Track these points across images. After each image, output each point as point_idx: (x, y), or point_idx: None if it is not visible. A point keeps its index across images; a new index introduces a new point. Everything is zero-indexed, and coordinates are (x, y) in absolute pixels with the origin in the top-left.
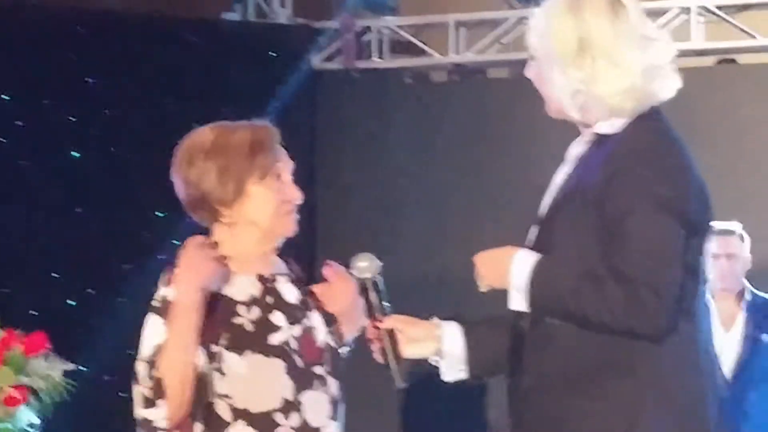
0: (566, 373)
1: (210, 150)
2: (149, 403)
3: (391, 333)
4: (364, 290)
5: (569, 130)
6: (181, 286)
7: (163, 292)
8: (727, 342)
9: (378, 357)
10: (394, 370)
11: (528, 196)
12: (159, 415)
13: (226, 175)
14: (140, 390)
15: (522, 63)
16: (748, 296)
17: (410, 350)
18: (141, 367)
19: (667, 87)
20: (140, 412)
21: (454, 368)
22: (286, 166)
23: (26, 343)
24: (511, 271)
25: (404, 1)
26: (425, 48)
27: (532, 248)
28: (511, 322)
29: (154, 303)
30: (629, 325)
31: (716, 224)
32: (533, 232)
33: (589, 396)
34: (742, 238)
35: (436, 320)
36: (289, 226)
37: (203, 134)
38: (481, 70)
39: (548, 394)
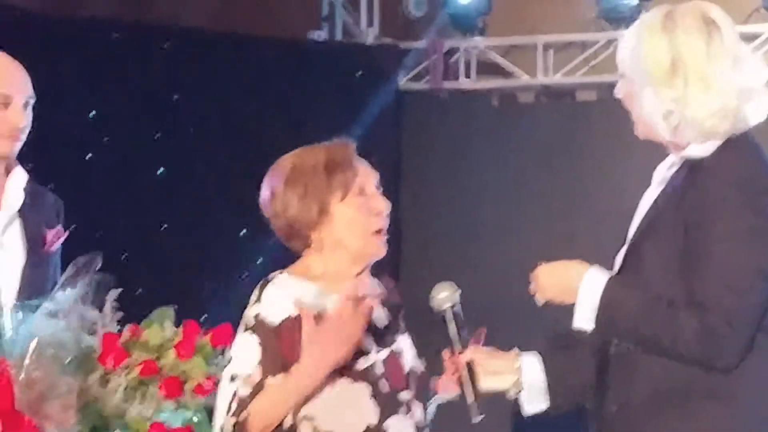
0: (653, 397)
1: (289, 178)
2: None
3: (469, 365)
4: (443, 321)
5: (656, 152)
6: (319, 359)
7: (256, 309)
8: None
9: (455, 388)
10: (471, 402)
11: (615, 220)
12: None
13: (307, 198)
14: (228, 420)
15: (610, 86)
16: None
17: (489, 383)
18: (233, 388)
19: (761, 109)
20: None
21: (535, 400)
22: (368, 178)
23: (213, 335)
24: (580, 288)
25: (493, 22)
26: (513, 69)
27: (619, 271)
28: (591, 347)
29: (247, 321)
30: (700, 355)
31: None
32: (621, 254)
33: (678, 419)
34: None
35: (516, 351)
36: (377, 247)
37: (282, 164)
38: (569, 92)
39: (636, 418)
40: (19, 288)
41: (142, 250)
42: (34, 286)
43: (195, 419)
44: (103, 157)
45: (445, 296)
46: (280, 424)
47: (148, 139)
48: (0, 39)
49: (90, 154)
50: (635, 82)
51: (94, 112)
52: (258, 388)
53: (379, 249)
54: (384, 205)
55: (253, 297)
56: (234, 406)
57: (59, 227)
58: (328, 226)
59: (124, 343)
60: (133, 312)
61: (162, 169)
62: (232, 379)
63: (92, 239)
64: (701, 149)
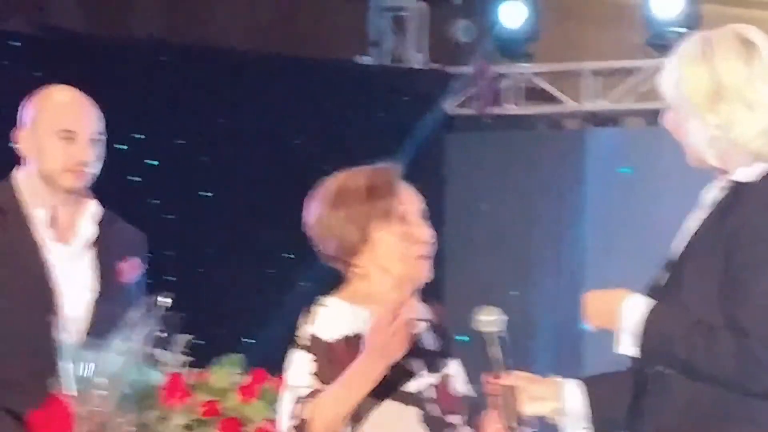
0: (688, 423)
1: (332, 201)
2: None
3: (511, 390)
4: (485, 343)
5: (705, 177)
6: (375, 354)
7: (310, 330)
8: None
9: (496, 414)
10: (512, 427)
11: (662, 244)
12: None
13: (349, 224)
14: (289, 423)
15: (657, 112)
16: None
17: (531, 408)
18: (292, 393)
19: None
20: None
21: (576, 426)
22: (412, 206)
23: (279, 382)
24: (622, 314)
25: (540, 49)
26: (559, 96)
27: (661, 292)
28: (631, 372)
29: (300, 341)
30: (739, 381)
31: None
32: (663, 276)
33: None
34: None
35: (558, 378)
36: (422, 272)
37: (325, 187)
38: (615, 118)
39: None
40: (91, 321)
41: (187, 274)
42: (106, 320)
43: None
44: (150, 180)
45: (488, 320)
46: None
47: (196, 162)
48: (48, 60)
49: (137, 177)
50: (680, 112)
51: (142, 135)
52: (316, 392)
53: (423, 272)
54: (426, 234)
55: (305, 319)
56: (294, 410)
57: (135, 260)
58: (370, 252)
59: (190, 384)
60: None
61: (210, 192)
62: (291, 389)
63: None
64: (748, 173)
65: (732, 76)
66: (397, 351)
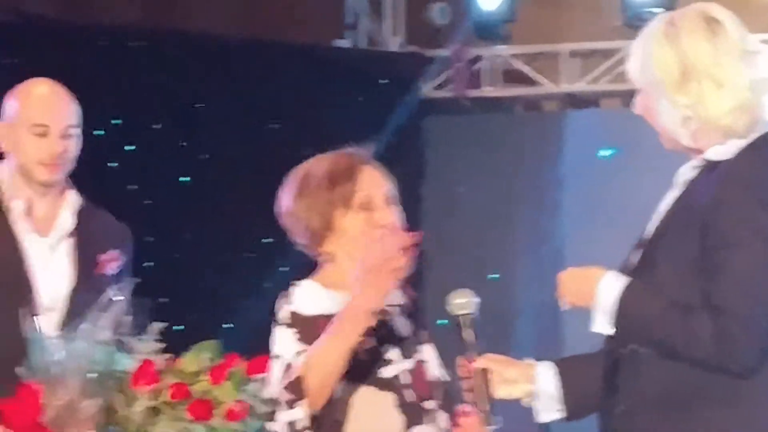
0: (660, 401)
1: (297, 190)
2: (289, 405)
3: (484, 372)
4: (458, 327)
5: (684, 158)
6: (371, 295)
7: (290, 308)
8: None
9: (469, 396)
10: (484, 410)
11: (641, 225)
12: (299, 414)
13: (312, 212)
14: (281, 383)
15: (634, 93)
16: None
17: (503, 391)
18: (280, 362)
19: None
20: (281, 416)
21: (549, 408)
22: (377, 190)
23: (249, 365)
24: (598, 292)
25: (517, 31)
26: (537, 78)
27: (634, 271)
28: (605, 352)
29: (281, 319)
30: (716, 359)
31: None
32: (636, 255)
33: (682, 427)
34: None
35: (530, 361)
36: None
37: (294, 175)
38: (594, 100)
39: (641, 424)
40: (68, 311)
41: (166, 259)
42: (83, 312)
43: None
44: (127, 166)
45: (463, 302)
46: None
47: (173, 147)
48: (23, 47)
49: (115, 163)
50: (650, 95)
51: (119, 121)
52: (302, 354)
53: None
54: (391, 219)
55: (283, 300)
56: (285, 372)
57: (114, 252)
58: (336, 240)
59: (161, 369)
60: (157, 319)
61: (188, 177)
62: (278, 358)
63: None
64: (722, 151)
65: (698, 54)
66: (383, 292)
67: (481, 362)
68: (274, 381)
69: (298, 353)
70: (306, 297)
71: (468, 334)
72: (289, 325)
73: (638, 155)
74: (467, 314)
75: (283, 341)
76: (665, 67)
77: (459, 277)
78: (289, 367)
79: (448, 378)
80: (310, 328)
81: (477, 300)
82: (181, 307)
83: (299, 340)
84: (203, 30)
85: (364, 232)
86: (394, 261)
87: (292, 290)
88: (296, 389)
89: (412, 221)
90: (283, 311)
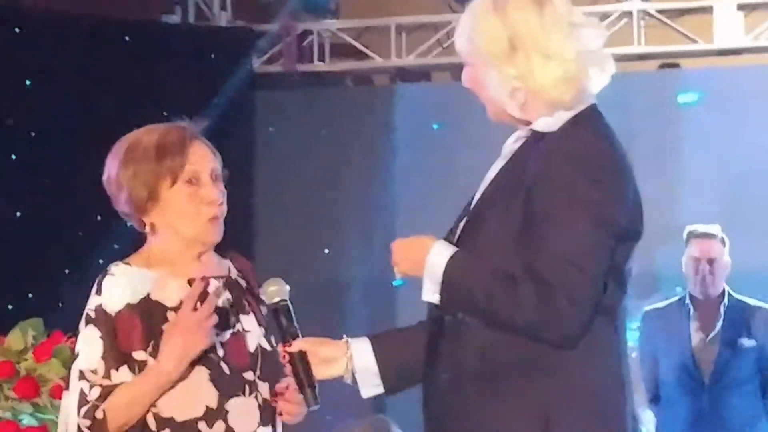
0: (481, 371)
1: (122, 160)
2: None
3: (302, 355)
4: (274, 314)
5: (513, 130)
6: (175, 354)
7: (97, 301)
8: (705, 346)
9: (291, 380)
10: (306, 392)
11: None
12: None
13: (137, 181)
14: (82, 421)
15: (462, 66)
16: (727, 300)
17: (322, 371)
18: (82, 385)
19: (604, 72)
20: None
21: (369, 384)
22: (204, 165)
23: (73, 343)
24: (427, 261)
25: (345, 5)
26: (367, 52)
27: (458, 240)
28: (428, 320)
29: (88, 312)
30: (539, 329)
31: (697, 228)
32: (462, 223)
33: (504, 395)
34: (723, 241)
35: (346, 338)
36: (212, 234)
37: (119, 144)
38: (425, 73)
39: (463, 393)
40: None
41: None
42: None
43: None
44: None
45: (274, 290)
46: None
47: (1, 125)
48: None
49: None
50: (478, 67)
51: None
52: (108, 390)
53: (212, 236)
54: (216, 195)
55: (94, 290)
56: (85, 408)
57: None
58: (160, 211)
59: None
60: None
61: (14, 155)
62: (80, 376)
63: None
64: (549, 123)
65: (525, 25)
66: (198, 347)
67: (296, 345)
68: (71, 398)
69: (94, 372)
70: (114, 288)
71: (282, 321)
72: (95, 323)
73: (468, 128)
74: (280, 301)
75: (86, 346)
76: (493, 39)
77: (290, 253)
78: (85, 399)
79: (270, 347)
80: (114, 328)
81: (287, 288)
82: (12, 288)
83: (103, 349)
84: (32, 6)
85: (187, 205)
86: (206, 320)
87: (101, 278)
88: (99, 428)
89: (244, 196)
90: (91, 302)
